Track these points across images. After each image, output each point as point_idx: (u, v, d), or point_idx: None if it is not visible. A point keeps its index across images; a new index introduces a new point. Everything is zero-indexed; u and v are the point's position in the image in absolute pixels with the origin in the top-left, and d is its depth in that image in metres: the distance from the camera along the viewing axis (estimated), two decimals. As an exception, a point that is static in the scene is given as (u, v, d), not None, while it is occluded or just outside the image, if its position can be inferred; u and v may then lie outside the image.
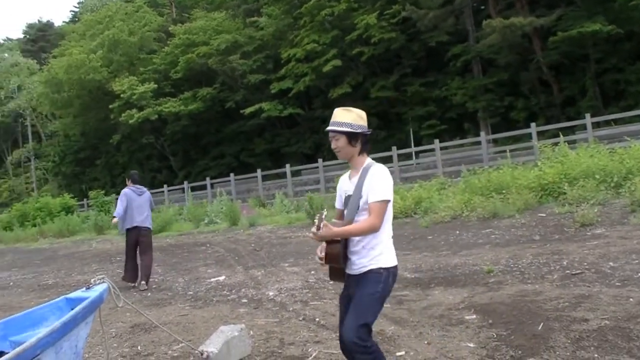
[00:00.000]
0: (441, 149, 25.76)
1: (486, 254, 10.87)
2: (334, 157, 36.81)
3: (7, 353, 4.16)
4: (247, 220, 22.61)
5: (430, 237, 13.73)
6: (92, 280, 5.29)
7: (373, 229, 4.30)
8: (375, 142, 39.09)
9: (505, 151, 21.87)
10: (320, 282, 10.30)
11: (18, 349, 3.73)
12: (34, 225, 38.80)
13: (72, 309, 4.54)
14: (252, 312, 8.70)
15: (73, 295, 5.14)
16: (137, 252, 13.14)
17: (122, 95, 46.66)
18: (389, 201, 4.37)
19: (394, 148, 26.73)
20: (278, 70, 42.28)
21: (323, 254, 4.45)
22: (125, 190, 13.17)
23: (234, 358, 6.26)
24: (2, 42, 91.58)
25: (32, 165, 74.06)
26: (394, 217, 16.51)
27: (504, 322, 6.51)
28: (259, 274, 12.13)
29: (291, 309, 8.48)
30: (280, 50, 42.57)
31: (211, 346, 6.15)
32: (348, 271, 4.50)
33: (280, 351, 6.49)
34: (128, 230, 13.15)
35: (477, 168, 19.11)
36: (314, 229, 4.20)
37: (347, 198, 4.54)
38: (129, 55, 52.02)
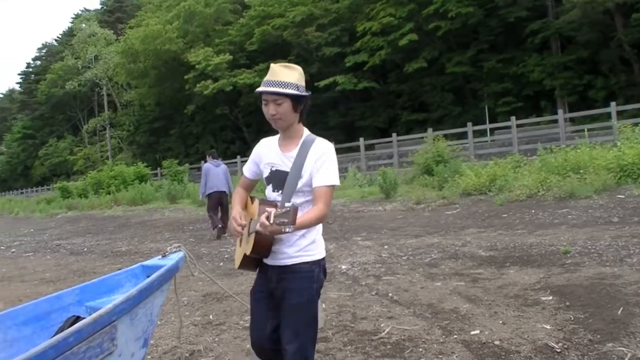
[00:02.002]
0: (517, 126, 25.36)
1: (562, 234, 10.67)
2: (409, 131, 36.95)
3: (83, 318, 4.22)
4: (320, 192, 22.62)
5: (505, 216, 13.54)
6: (168, 248, 5.33)
7: (322, 219, 3.63)
8: (450, 117, 38.75)
9: (582, 130, 21.46)
10: (394, 257, 10.25)
11: (94, 315, 3.77)
12: (108, 193, 39.59)
13: (148, 277, 4.55)
14: (325, 285, 8.66)
15: (149, 262, 5.16)
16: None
17: (197, 66, 46.98)
18: (336, 186, 3.75)
19: (469, 124, 26.41)
20: (353, 44, 42.07)
21: (244, 222, 3.81)
22: (205, 165, 16.56)
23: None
24: (80, 13, 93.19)
25: (108, 134, 75.25)
26: (468, 194, 16.41)
27: (582, 305, 6.35)
28: (331, 247, 12.11)
29: (364, 283, 8.46)
30: (355, 23, 42.32)
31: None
32: (267, 260, 3.79)
33: (352, 325, 6.47)
34: (209, 195, 16.05)
35: (553, 147, 18.72)
36: (265, 219, 3.24)
37: (276, 174, 3.81)
38: (205, 27, 52.27)
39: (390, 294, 7.59)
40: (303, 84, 3.78)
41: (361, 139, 32.03)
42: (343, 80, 40.84)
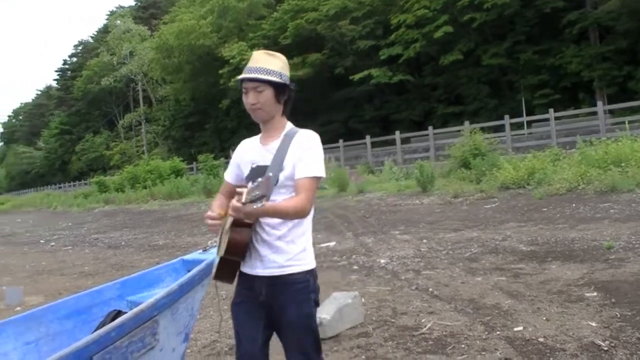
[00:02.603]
0: (555, 118, 25.10)
1: (605, 229, 10.50)
2: (445, 124, 36.71)
3: (124, 312, 4.22)
4: (356, 186, 22.56)
5: (545, 210, 13.36)
6: (209, 242, 5.31)
7: (301, 213, 3.24)
8: (486, 110, 38.45)
9: (623, 122, 21.15)
10: (433, 251, 10.16)
11: (136, 310, 3.76)
12: (145, 188, 39.87)
13: (188, 271, 4.56)
14: (364, 279, 8.65)
15: (189, 256, 5.17)
16: None
17: (231, 61, 47.04)
18: (321, 179, 3.39)
19: (506, 117, 26.17)
20: (387, 36, 41.86)
21: (219, 212, 3.50)
22: None
23: (347, 325, 6.22)
24: (114, 10, 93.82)
25: (143, 129, 75.79)
26: (507, 188, 16.27)
27: (629, 302, 6.21)
28: (369, 241, 12.08)
29: (403, 277, 8.39)
30: (390, 16, 42.08)
31: (324, 312, 6.11)
32: (251, 270, 3.40)
33: (393, 320, 6.41)
34: None
35: (593, 139, 18.48)
36: (236, 201, 2.98)
37: (257, 170, 3.41)
38: (238, 21, 52.40)
39: (430, 289, 7.52)
40: (287, 73, 3.51)
41: (397, 132, 31.89)
42: (378, 74, 40.66)
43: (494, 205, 14.98)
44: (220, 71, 48.49)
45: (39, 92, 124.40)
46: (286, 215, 3.20)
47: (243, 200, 2.86)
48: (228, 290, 8.64)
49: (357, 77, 41.25)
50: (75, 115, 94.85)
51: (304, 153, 3.33)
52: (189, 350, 5.86)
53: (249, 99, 3.39)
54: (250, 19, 52.55)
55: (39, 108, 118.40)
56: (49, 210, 47.41)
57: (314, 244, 10.64)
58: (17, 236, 25.57)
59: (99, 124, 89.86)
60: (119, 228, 22.52)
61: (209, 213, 3.53)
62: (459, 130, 25.30)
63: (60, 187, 77.32)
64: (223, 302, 7.95)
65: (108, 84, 75.00)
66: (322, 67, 45.35)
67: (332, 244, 12.27)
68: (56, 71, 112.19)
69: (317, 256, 9.78)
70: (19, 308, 9.20)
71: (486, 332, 5.65)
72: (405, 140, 32.74)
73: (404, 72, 42.25)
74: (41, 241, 21.26)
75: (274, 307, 3.36)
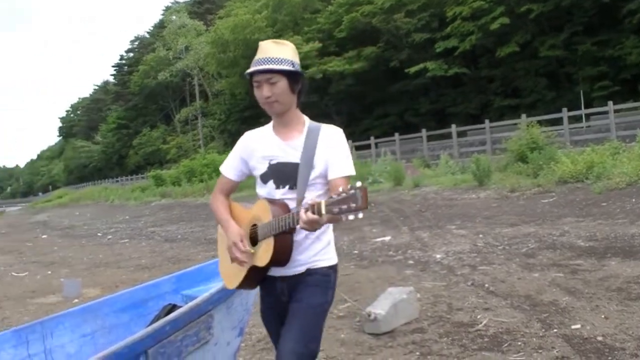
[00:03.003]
0: (615, 111, 24.63)
1: (666, 223, 10.31)
2: (502, 117, 36.33)
3: (179, 306, 4.26)
4: (412, 180, 22.46)
5: (604, 204, 13.12)
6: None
7: None
8: (544, 103, 37.93)
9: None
10: (489, 246, 10.06)
11: (191, 304, 3.79)
12: (201, 181, 40.23)
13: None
14: (419, 274, 8.61)
15: (246, 252, 5.17)
16: None
17: (286, 55, 47.15)
18: (352, 176, 3.19)
19: (564, 110, 25.75)
20: (443, 29, 41.59)
21: (245, 248, 3.17)
22: None
23: (401, 321, 6.20)
24: (170, 5, 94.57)
25: (199, 123, 76.31)
26: (564, 182, 16.05)
27: (690, 299, 6.10)
28: (424, 235, 12.02)
29: (459, 273, 8.33)
30: (445, 8, 41.76)
31: (378, 307, 6.11)
32: (276, 272, 3.23)
33: (448, 316, 6.37)
34: None
35: (655, 132, 18.09)
36: (311, 214, 2.72)
37: (278, 167, 3.24)
38: (293, 15, 52.56)
39: (486, 285, 7.45)
40: (298, 60, 3.29)
41: (453, 126, 31.62)
42: (433, 67, 40.45)
43: (551, 199, 14.78)
44: (275, 65, 48.59)
45: (97, 87, 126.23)
46: (341, 220, 2.77)
47: (323, 211, 2.65)
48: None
49: (412, 70, 41.07)
50: (132, 109, 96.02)
51: (336, 151, 3.21)
52: (243, 344, 5.90)
53: (263, 92, 3.21)
54: (305, 12, 52.66)
55: (96, 103, 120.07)
56: (107, 204, 48.13)
57: (369, 238, 10.73)
58: (75, 229, 26.04)
59: (155, 118, 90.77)
60: (176, 221, 22.76)
61: (239, 244, 3.19)
62: (516, 124, 24.97)
63: (117, 181, 78.33)
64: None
65: (164, 78, 75.70)
66: (377, 60, 45.25)
67: (387, 238, 12.23)
68: (113, 66, 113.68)
69: (372, 250, 9.86)
70: (76, 300, 9.36)
71: (543, 330, 5.58)
72: (461, 134, 32.47)
73: (459, 65, 41.96)
74: (99, 234, 21.61)
75: (290, 298, 3.23)
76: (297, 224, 2.88)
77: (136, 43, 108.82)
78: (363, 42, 45.81)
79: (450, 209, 15.73)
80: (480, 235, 11.15)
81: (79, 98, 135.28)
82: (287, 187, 3.21)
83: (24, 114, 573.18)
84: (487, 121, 29.68)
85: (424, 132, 33.49)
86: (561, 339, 5.29)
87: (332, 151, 3.20)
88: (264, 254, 3.10)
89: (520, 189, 16.79)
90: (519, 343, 5.31)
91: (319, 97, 50.45)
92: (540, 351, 5.08)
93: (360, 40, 46.22)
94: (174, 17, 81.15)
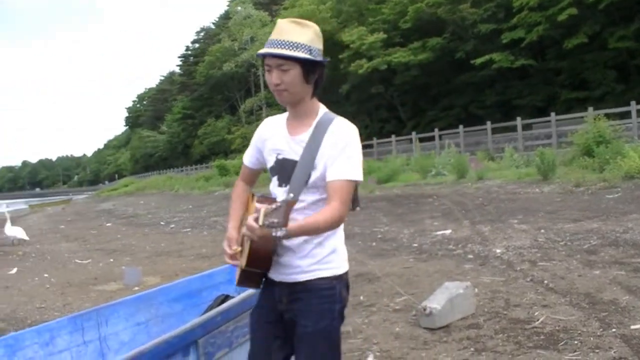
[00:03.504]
0: (689, 104, 24.07)
1: None
2: (569, 110, 35.75)
3: (232, 297, 4.32)
4: (475, 173, 22.31)
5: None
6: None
7: (336, 224, 2.81)
8: (613, 95, 37.17)
9: None
10: (550, 242, 9.93)
11: (243, 295, 3.84)
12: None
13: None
14: (478, 269, 8.56)
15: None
16: None
17: (351, 46, 47.16)
18: (358, 183, 2.93)
19: (632, 103, 25.20)
20: (509, 19, 40.93)
21: (235, 248, 3.08)
22: None
23: (457, 316, 6.19)
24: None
25: (264, 114, 76.42)
26: (631, 177, 15.76)
27: None
28: (485, 229, 11.92)
29: (518, 268, 8.25)
30: (512, -2, 41.26)
31: (434, 302, 6.11)
32: (273, 275, 2.98)
33: (505, 312, 6.33)
34: None
35: None
36: (252, 220, 2.53)
37: (282, 163, 2.98)
38: (358, 6, 52.40)
39: (545, 281, 7.37)
40: (319, 46, 2.94)
41: (518, 119, 31.25)
42: (499, 58, 39.91)
43: (616, 195, 14.52)
44: (340, 56, 48.60)
45: (163, 78, 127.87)
46: (317, 231, 2.75)
47: (260, 222, 2.42)
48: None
49: (478, 61, 40.60)
50: (198, 100, 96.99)
51: (341, 150, 2.85)
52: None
53: (272, 79, 2.86)
54: (370, 3, 52.39)
55: (162, 93, 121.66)
56: (171, 193, 48.81)
57: (430, 231, 10.69)
58: (139, 217, 26.49)
59: (220, 109, 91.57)
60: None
61: (226, 248, 3.11)
62: (583, 117, 24.58)
63: (182, 170, 79.32)
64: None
65: (229, 69, 76.24)
66: (442, 51, 44.85)
67: (447, 232, 12.17)
68: (179, 57, 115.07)
69: (432, 244, 9.83)
70: (136, 288, 9.54)
71: (601, 329, 5.50)
72: (526, 127, 32.02)
73: (526, 57, 41.31)
74: (162, 223, 21.94)
75: (292, 316, 2.94)
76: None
77: (202, 34, 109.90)
78: (428, 32, 45.46)
79: (512, 203, 15.56)
80: (542, 231, 11.01)
81: (145, 88, 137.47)
82: (287, 186, 2.92)
83: (91, 105, 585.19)
84: (552, 114, 29.24)
85: (488, 125, 33.19)
86: (619, 339, 5.21)
87: (337, 150, 2.84)
88: (245, 255, 2.89)
89: (585, 183, 16.54)
90: (576, 342, 5.25)
91: (384, 89, 50.31)
92: (597, 351, 5.01)
93: (425, 31, 45.88)
94: (239, 8, 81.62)
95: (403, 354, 5.44)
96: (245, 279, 3.04)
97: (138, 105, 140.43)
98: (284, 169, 2.96)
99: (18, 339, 4.13)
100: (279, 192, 2.96)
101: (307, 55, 2.83)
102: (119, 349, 4.46)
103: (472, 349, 5.35)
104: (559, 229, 10.98)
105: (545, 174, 18.73)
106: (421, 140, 37.12)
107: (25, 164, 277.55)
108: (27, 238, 17.61)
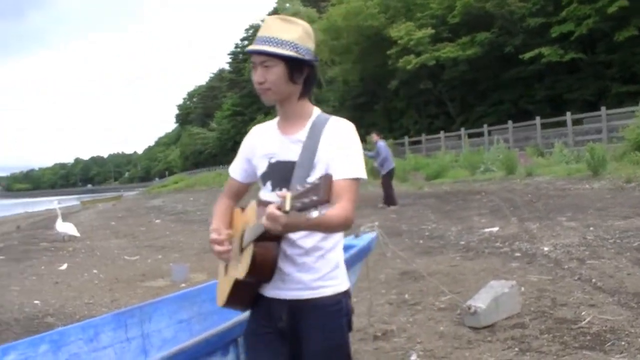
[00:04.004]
0: None
1: None
2: (620, 105, 35.21)
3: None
4: (524, 169, 22.13)
5: None
6: (361, 228, 5.37)
7: (348, 224, 2.59)
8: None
9: None
10: (599, 239, 9.78)
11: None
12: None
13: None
14: (525, 267, 8.49)
15: (341, 242, 5.21)
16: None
17: (399, 41, 46.98)
18: (362, 181, 2.74)
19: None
20: (558, 13, 40.42)
21: (228, 232, 2.88)
22: (383, 143, 19.65)
23: (502, 315, 6.15)
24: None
25: (313, 110, 76.90)
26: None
27: None
28: (534, 226, 11.80)
29: (566, 266, 8.16)
30: (561, -9, 40.76)
31: (479, 301, 6.09)
32: (268, 291, 2.78)
33: (551, 312, 6.27)
34: (391, 169, 19.42)
35: None
36: (275, 208, 2.26)
37: (277, 166, 2.81)
38: (406, 1, 52.13)
39: (593, 280, 7.27)
40: (308, 45, 2.81)
41: (568, 113, 30.90)
42: (549, 52, 39.43)
43: (669, 191, 14.31)
44: (388, 52, 48.52)
45: (212, 75, 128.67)
46: (330, 228, 2.57)
47: (287, 207, 2.19)
48: (387, 274, 8.74)
49: (527, 56, 40.17)
50: (247, 96, 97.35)
51: (343, 148, 2.72)
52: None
53: (256, 76, 2.78)
54: (418, -2, 52.26)
55: (212, 90, 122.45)
56: (220, 190, 49.14)
57: (477, 228, 10.65)
58: (188, 214, 26.76)
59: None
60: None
61: (214, 236, 2.85)
62: (634, 111, 24.21)
63: (231, 167, 79.78)
64: (381, 285, 8.05)
65: (275, 65, 76.58)
66: (491, 46, 44.47)
67: (495, 229, 12.09)
68: (228, 54, 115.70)
69: (479, 241, 9.78)
70: (183, 285, 9.65)
71: (649, 330, 5.43)
72: (576, 122, 31.63)
73: (576, 50, 40.76)
74: (210, 220, 22.11)
75: (296, 332, 2.75)
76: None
77: (251, 31, 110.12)
78: (476, 27, 45.10)
79: (562, 199, 15.39)
80: (591, 228, 10.87)
81: (195, 86, 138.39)
82: (283, 189, 2.51)
83: (142, 103, 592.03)
84: (603, 108, 28.81)
85: (538, 120, 32.86)
86: (668, 339, 5.14)
87: (338, 149, 2.72)
88: (243, 264, 2.65)
89: (636, 179, 16.29)
90: (623, 343, 5.18)
91: (432, 84, 50.09)
92: (644, 352, 4.95)
93: (473, 25, 45.53)
94: (287, 4, 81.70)
95: (447, 354, 5.43)
96: (237, 295, 2.80)
97: (188, 103, 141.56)
98: (279, 172, 2.80)
99: (63, 335, 4.22)
100: (275, 198, 2.53)
101: (291, 53, 2.72)
102: (161, 346, 4.54)
103: (516, 349, 5.31)
104: (609, 226, 10.82)
105: (595, 170, 18.48)
106: (470, 136, 36.92)
107: (77, 160, 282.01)
108: (77, 234, 17.94)
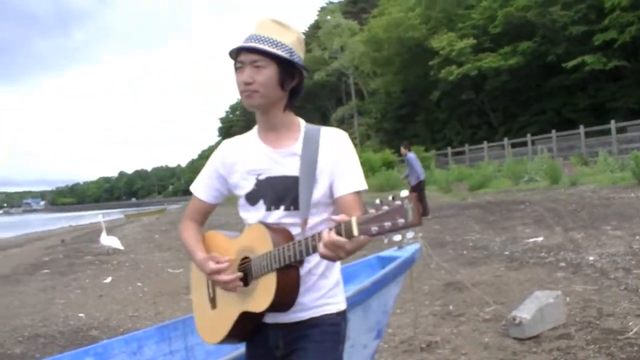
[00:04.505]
0: None
1: None
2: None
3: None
4: (568, 178, 21.96)
5: None
6: (404, 239, 5.38)
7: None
8: None
9: None
10: (645, 249, 9.73)
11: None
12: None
13: (383, 268, 4.63)
14: (570, 277, 8.43)
15: (385, 253, 5.19)
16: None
17: (441, 52, 47.04)
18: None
19: None
20: (601, 21, 40.11)
21: (230, 258, 2.58)
22: (413, 155, 19.88)
23: (547, 326, 6.12)
24: (325, 6, 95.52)
25: (355, 122, 76.76)
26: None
27: None
28: (578, 236, 11.71)
29: (612, 276, 8.09)
30: (603, -1, 40.41)
31: (524, 312, 6.07)
32: (270, 318, 2.56)
33: (597, 322, 6.22)
34: (422, 180, 19.30)
35: None
36: (335, 235, 2.11)
37: (270, 183, 2.56)
38: (447, 12, 52.14)
39: (640, 290, 7.23)
40: (300, 54, 2.62)
41: (612, 122, 30.62)
42: (591, 60, 39.14)
43: None
44: (430, 62, 48.59)
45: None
46: (361, 246, 2.26)
47: (355, 232, 2.06)
48: (431, 285, 8.74)
49: (570, 64, 39.91)
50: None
51: (343, 161, 2.57)
52: (385, 345, 6.00)
53: (243, 76, 2.53)
54: (459, 8, 52.09)
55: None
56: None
57: (521, 238, 10.61)
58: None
59: (312, 117, 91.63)
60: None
61: (213, 266, 2.56)
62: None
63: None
64: (425, 297, 8.06)
65: (320, 78, 76.66)
66: (533, 55, 44.20)
67: (539, 239, 12.02)
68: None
69: (523, 251, 9.78)
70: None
71: (698, 340, 5.38)
72: (621, 130, 31.31)
73: (619, 58, 40.35)
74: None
75: (291, 355, 2.57)
76: (314, 251, 2.24)
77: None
78: (518, 37, 44.85)
79: (607, 208, 15.24)
80: (637, 237, 10.75)
81: (237, 99, 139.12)
82: (281, 208, 2.54)
83: (186, 117, 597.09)
84: (648, 116, 28.54)
85: (581, 129, 32.62)
86: None
87: (339, 160, 2.56)
88: (262, 296, 2.42)
89: (683, 187, 16.11)
90: (670, 353, 5.15)
91: (474, 94, 49.90)
92: (692, 363, 4.92)
93: (515, 35, 45.28)
94: (328, 17, 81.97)
95: (492, 365, 5.43)
96: (239, 329, 2.61)
97: (230, 116, 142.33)
98: (272, 189, 2.56)
99: (107, 348, 4.30)
100: (271, 218, 2.56)
101: (286, 55, 2.52)
102: (204, 358, 4.59)
103: (562, 360, 5.30)
104: (655, 235, 10.73)
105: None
106: (513, 145, 36.76)
107: (121, 174, 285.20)
108: (121, 247, 18.15)
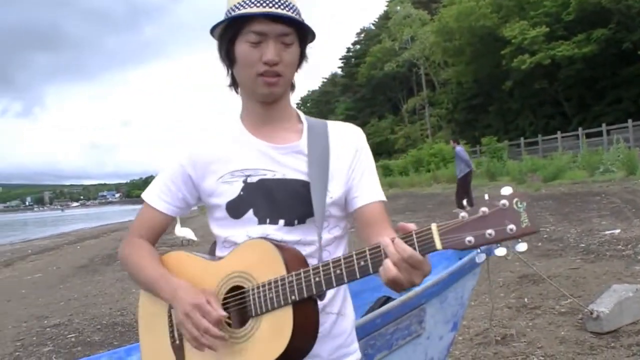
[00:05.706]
0: None
1: None
2: None
3: (393, 299, 4.40)
4: (647, 169, 21.57)
5: None
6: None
7: None
8: None
9: None
10: None
11: (403, 297, 3.86)
12: (428, 171, 40.56)
13: (460, 259, 4.62)
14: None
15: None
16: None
17: (513, 41, 46.41)
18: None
19: None
20: (681, 6, 39.27)
21: (217, 311, 1.77)
22: (461, 148, 20.35)
23: (626, 320, 6.02)
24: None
25: (427, 113, 76.40)
26: None
27: None
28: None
29: None
30: (682, -17, 39.42)
31: (602, 306, 5.97)
32: None
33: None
34: (469, 172, 19.60)
35: None
36: (405, 249, 1.52)
37: (261, 187, 1.93)
38: (519, 0, 51.47)
39: None
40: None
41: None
42: (670, 47, 38.35)
43: None
44: (502, 52, 48.01)
45: (325, 80, 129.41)
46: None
47: (439, 245, 1.51)
48: (506, 277, 8.68)
49: (649, 52, 39.13)
50: (360, 100, 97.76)
51: (365, 163, 2.05)
52: (460, 338, 5.99)
53: (268, 54, 1.86)
54: (531, -4, 51.44)
55: (325, 95, 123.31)
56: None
57: (597, 230, 10.47)
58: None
59: (383, 109, 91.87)
60: (401, 211, 22.99)
61: (211, 311, 1.76)
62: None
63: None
64: (500, 289, 8.01)
65: (391, 69, 76.42)
66: (608, 43, 43.34)
67: (617, 231, 11.81)
68: (340, 59, 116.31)
69: (600, 244, 9.66)
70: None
71: None
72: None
73: (699, 44, 39.45)
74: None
75: None
76: (363, 275, 1.62)
77: (362, 35, 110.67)
78: (592, 24, 44.02)
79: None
80: None
81: (309, 91, 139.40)
82: (280, 222, 1.93)
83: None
84: None
85: (659, 118, 31.91)
86: None
87: (358, 163, 2.03)
88: (269, 340, 1.75)
89: None
90: None
91: (548, 84, 49.16)
92: None
93: (589, 22, 44.45)
94: (398, 7, 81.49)
95: (568, 359, 5.37)
96: None
97: (302, 108, 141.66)
98: (271, 196, 1.94)
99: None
100: (271, 233, 1.92)
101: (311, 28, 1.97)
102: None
103: (641, 356, 5.22)
104: None
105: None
106: (588, 136, 36.11)
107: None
108: (195, 239, 18.36)
